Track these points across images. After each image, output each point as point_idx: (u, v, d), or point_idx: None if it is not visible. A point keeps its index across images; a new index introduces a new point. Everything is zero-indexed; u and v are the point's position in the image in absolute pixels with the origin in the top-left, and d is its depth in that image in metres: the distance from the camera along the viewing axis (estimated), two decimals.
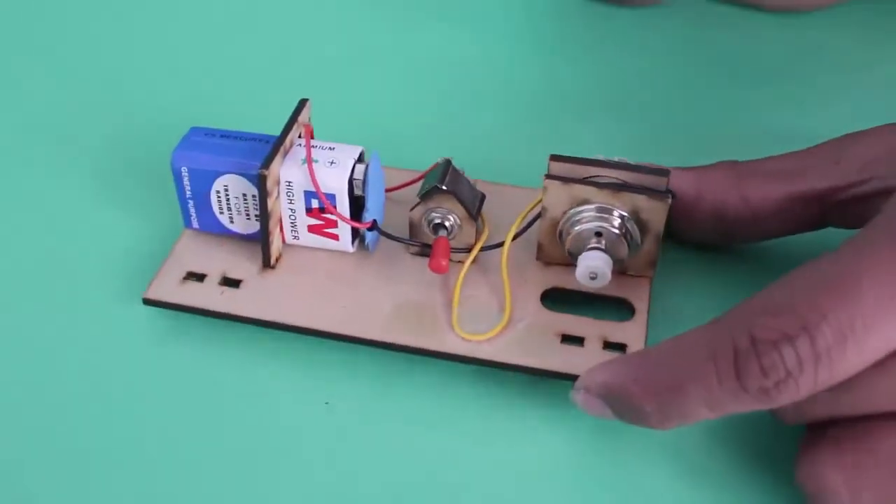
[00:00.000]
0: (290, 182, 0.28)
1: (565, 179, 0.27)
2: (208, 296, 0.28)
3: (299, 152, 0.28)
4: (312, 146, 0.28)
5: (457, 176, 0.29)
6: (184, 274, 0.29)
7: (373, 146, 0.33)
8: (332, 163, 0.28)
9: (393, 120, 0.35)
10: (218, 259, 0.29)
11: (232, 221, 0.29)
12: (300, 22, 0.40)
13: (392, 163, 0.31)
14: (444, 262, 0.27)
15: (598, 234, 0.27)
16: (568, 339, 0.27)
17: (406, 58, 0.38)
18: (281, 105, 0.32)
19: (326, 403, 0.27)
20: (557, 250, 0.29)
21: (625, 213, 0.27)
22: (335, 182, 0.28)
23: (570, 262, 0.29)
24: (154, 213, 0.32)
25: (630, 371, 0.24)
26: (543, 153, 0.33)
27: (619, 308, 0.28)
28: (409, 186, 0.30)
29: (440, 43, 0.39)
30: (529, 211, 0.29)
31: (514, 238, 0.28)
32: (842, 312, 0.21)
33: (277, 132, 0.29)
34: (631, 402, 0.24)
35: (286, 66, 0.38)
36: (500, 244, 0.28)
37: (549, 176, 0.27)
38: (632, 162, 0.28)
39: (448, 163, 0.29)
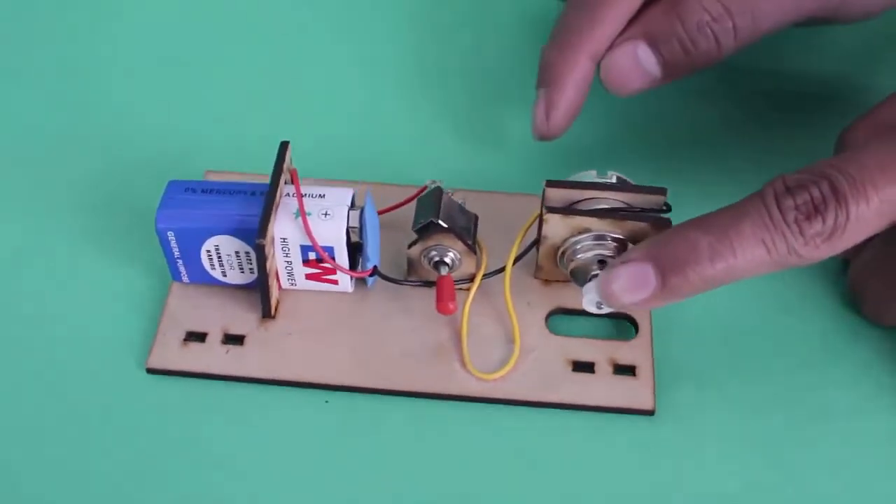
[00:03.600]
0: (285, 238, 0.27)
1: (565, 211, 0.27)
2: (214, 358, 0.28)
3: (290, 204, 0.27)
4: (302, 195, 0.27)
5: (450, 205, 0.28)
6: (183, 334, 0.28)
7: (352, 163, 0.32)
8: (325, 214, 0.27)
9: (369, 131, 0.34)
10: (214, 312, 0.28)
11: (225, 275, 0.28)
12: (271, 47, 0.37)
13: (375, 178, 0.31)
14: (451, 305, 0.27)
15: (602, 262, 0.27)
16: (579, 365, 0.28)
17: (374, 64, 0.36)
18: (255, 131, 0.31)
19: (326, 402, 0.28)
20: (557, 270, 0.29)
21: (626, 239, 0.27)
22: (332, 235, 0.27)
23: (569, 278, 0.29)
24: (138, 257, 0.30)
25: (683, 225, 0.26)
26: (531, 156, 0.33)
27: (621, 322, 0.29)
28: (394, 209, 0.30)
29: (406, 46, 0.37)
30: (524, 233, 0.28)
31: (513, 263, 0.28)
32: (853, 169, 0.24)
33: (258, 164, 0.28)
34: (687, 240, 0.25)
35: (257, 91, 0.36)
36: (500, 270, 0.28)
37: (549, 209, 0.27)
38: (627, 179, 0.28)
39: (439, 191, 0.28)
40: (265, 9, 0.38)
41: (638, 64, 0.29)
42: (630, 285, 0.25)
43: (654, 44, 0.29)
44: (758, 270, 0.25)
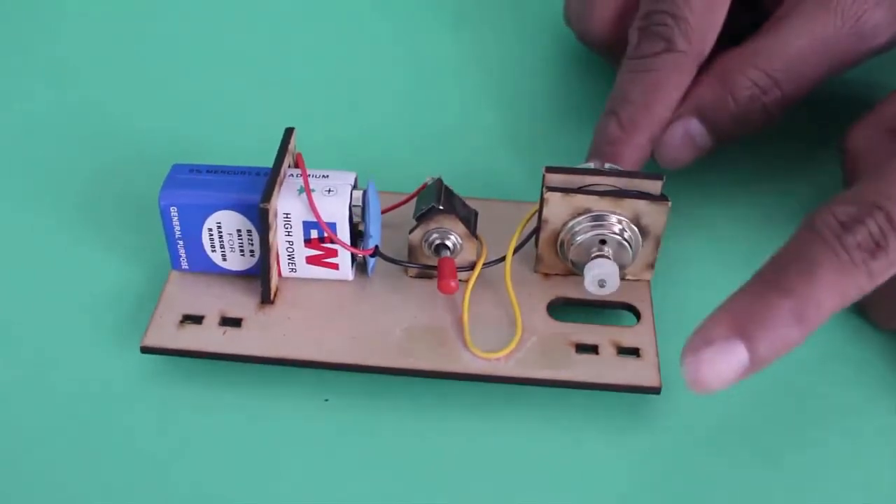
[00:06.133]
0: (288, 214, 0.27)
1: (566, 190, 0.27)
2: (211, 338, 0.27)
3: (293, 182, 0.27)
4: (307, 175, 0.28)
5: (450, 194, 0.29)
6: (179, 317, 0.28)
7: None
8: (329, 191, 0.27)
9: (360, 143, 0.35)
10: (211, 299, 0.28)
11: (225, 259, 0.28)
12: (269, 50, 0.39)
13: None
14: (453, 283, 0.27)
15: (603, 242, 0.28)
16: (582, 348, 0.27)
17: (368, 79, 0.38)
18: (256, 133, 0.32)
19: (326, 400, 0.27)
20: (557, 261, 0.29)
21: (626, 220, 0.28)
22: (336, 210, 0.27)
23: (569, 272, 0.29)
24: (136, 252, 0.30)
25: (758, 290, 0.24)
26: (521, 164, 0.34)
27: (621, 313, 0.29)
28: (394, 208, 0.30)
29: (405, 47, 0.39)
30: (525, 224, 0.29)
31: (515, 252, 0.28)
32: None
33: (259, 162, 0.28)
34: (770, 308, 0.23)
35: (257, 94, 0.37)
36: (501, 259, 0.28)
37: (549, 188, 0.27)
38: (623, 168, 0.29)
39: (440, 182, 0.29)
40: (270, 9, 0.40)
41: (691, 140, 0.30)
42: (723, 367, 0.23)
43: (706, 119, 0.30)
44: (830, 317, 0.24)
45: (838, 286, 0.23)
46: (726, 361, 0.23)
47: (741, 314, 0.23)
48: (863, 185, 0.25)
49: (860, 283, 0.23)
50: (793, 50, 0.29)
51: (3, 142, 0.34)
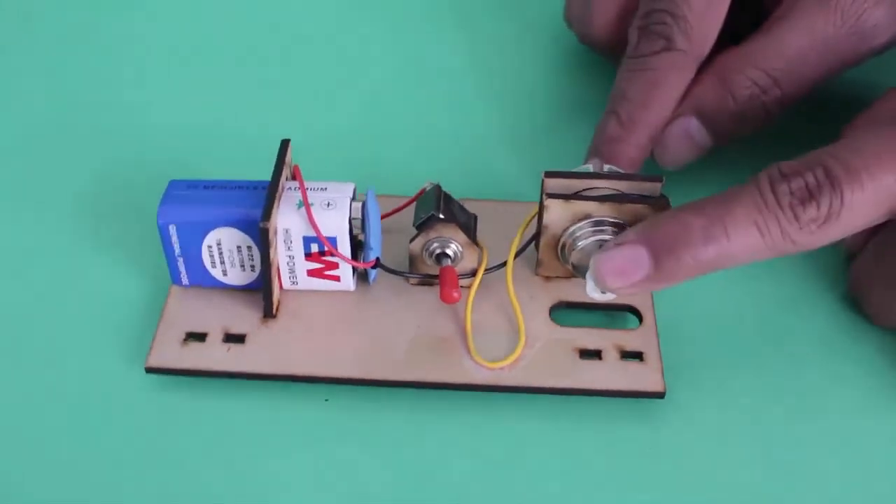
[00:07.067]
0: (287, 229, 0.27)
1: (566, 196, 0.27)
2: (215, 356, 0.27)
3: (292, 197, 0.27)
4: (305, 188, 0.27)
5: (449, 201, 0.28)
6: (182, 335, 0.28)
7: (344, 174, 0.32)
8: (328, 204, 0.27)
9: (359, 145, 0.35)
10: (213, 314, 0.28)
11: (225, 274, 0.28)
12: (268, 53, 0.39)
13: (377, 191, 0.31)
14: (455, 293, 0.27)
15: None
16: (585, 353, 0.27)
17: (361, 80, 0.38)
18: (254, 137, 0.31)
19: (326, 400, 0.27)
20: (558, 265, 0.29)
21: (626, 224, 0.27)
22: (335, 224, 0.27)
23: (570, 274, 0.29)
24: (138, 264, 0.30)
25: (677, 209, 0.26)
26: (521, 164, 0.34)
27: (623, 315, 0.29)
28: (393, 214, 0.30)
29: (386, 62, 0.38)
30: (525, 227, 0.29)
31: (515, 257, 0.28)
32: (848, 155, 0.25)
33: (257, 166, 0.28)
34: (680, 223, 0.25)
35: (255, 98, 0.37)
36: (502, 265, 0.28)
37: (549, 195, 0.27)
38: (622, 171, 0.29)
39: (438, 189, 0.28)
40: (268, 12, 0.40)
41: (691, 139, 0.30)
42: (623, 268, 0.25)
43: (705, 119, 0.30)
44: (752, 256, 0.25)
45: (752, 219, 0.24)
46: (625, 260, 0.25)
47: (653, 226, 0.25)
48: (821, 149, 0.25)
49: (784, 227, 0.24)
50: (793, 49, 0.29)
51: (3, 147, 0.34)
